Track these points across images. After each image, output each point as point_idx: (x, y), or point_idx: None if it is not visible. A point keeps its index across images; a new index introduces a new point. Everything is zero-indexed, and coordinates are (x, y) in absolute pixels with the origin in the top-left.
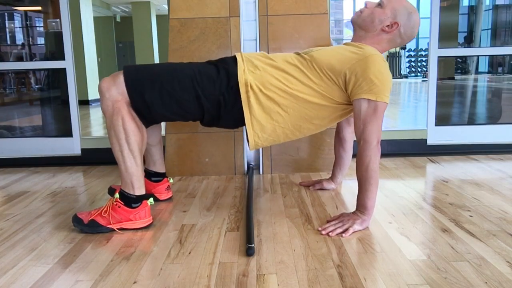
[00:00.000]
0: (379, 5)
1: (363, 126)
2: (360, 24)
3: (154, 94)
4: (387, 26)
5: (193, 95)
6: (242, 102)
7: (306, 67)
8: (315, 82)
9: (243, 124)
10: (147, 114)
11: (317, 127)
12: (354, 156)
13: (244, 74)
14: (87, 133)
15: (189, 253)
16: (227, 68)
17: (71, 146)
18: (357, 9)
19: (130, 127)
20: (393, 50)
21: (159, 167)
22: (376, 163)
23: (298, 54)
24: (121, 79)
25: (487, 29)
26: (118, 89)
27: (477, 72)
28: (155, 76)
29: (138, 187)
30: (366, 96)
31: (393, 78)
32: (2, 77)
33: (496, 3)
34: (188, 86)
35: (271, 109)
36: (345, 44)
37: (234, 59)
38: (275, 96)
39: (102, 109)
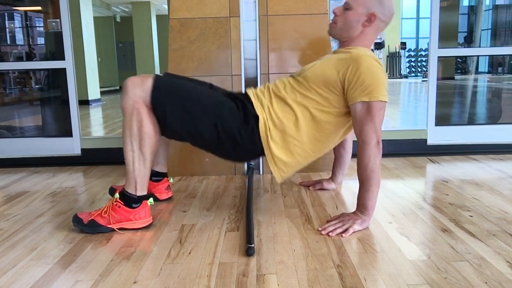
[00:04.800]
0: (347, 8)
1: (360, 127)
2: (340, 34)
3: (176, 108)
4: (366, 21)
5: (212, 122)
6: (262, 141)
7: (304, 89)
8: (317, 101)
9: (259, 157)
10: (162, 125)
11: (334, 143)
12: (354, 155)
13: (262, 113)
14: (87, 133)
15: (189, 253)
16: (244, 105)
17: (71, 146)
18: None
19: (147, 130)
20: (393, 50)
21: (162, 167)
22: (376, 163)
23: (293, 77)
24: (149, 82)
25: (487, 29)
26: (143, 91)
27: (477, 72)
28: (182, 92)
29: (141, 189)
30: (360, 99)
31: (393, 78)
32: (2, 77)
33: (496, 3)
34: (209, 111)
35: (287, 143)
36: (334, 52)
37: (246, 96)
38: (287, 129)
39: (122, 106)
